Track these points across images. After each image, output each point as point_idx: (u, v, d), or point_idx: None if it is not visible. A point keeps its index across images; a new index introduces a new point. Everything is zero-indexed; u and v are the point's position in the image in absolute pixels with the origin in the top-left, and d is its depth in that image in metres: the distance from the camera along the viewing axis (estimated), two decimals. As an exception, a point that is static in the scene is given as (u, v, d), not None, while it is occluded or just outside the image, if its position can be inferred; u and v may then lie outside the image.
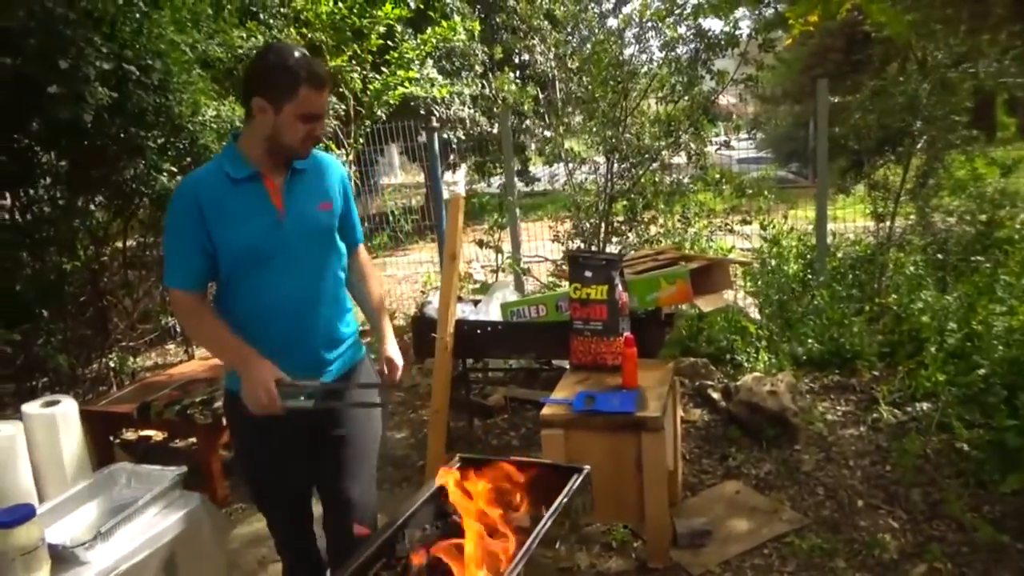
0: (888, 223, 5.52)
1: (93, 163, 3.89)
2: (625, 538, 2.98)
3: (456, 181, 8.58)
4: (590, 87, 6.10)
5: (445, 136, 9.24)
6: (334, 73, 5.32)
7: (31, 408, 1.79)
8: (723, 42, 5.56)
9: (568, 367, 4.27)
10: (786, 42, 5.85)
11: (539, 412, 4.30)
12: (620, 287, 3.09)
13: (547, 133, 6.58)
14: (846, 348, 4.55)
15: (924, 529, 2.90)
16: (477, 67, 9.20)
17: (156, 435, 4.40)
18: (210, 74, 4.17)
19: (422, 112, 7.13)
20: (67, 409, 1.81)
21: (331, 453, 2.03)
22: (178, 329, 5.32)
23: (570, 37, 9.10)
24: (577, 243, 6.19)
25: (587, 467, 1.64)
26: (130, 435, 4.38)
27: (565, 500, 1.51)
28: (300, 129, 1.83)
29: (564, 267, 5.84)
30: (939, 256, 5.57)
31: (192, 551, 1.77)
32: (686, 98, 5.82)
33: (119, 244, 4.61)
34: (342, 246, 2.07)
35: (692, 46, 5.74)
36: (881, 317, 4.94)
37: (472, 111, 8.60)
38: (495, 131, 10.49)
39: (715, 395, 4.17)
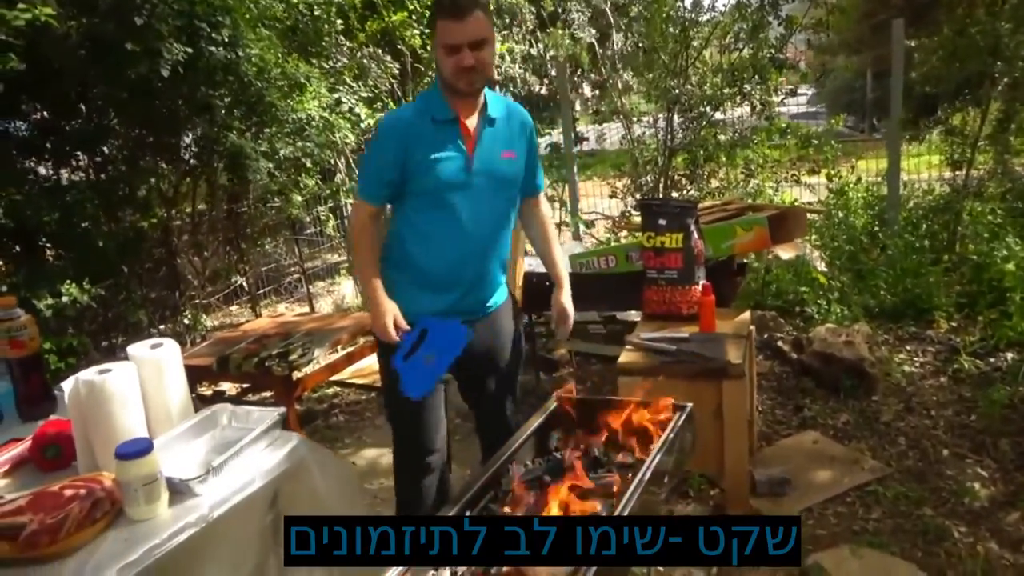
0: (964, 171, 5.29)
1: (164, 123, 3.94)
2: (702, 485, 2.97)
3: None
4: (648, 38, 5.95)
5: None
6: (391, 29, 5.29)
7: (138, 350, 1.84)
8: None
9: (636, 319, 4.23)
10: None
11: (604, 365, 4.32)
12: (696, 235, 3.03)
13: (591, 93, 6.47)
14: (922, 299, 4.41)
15: (1016, 478, 2.82)
16: (527, 24, 9.01)
17: (231, 388, 4.52)
18: (273, 33, 4.17)
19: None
20: (171, 351, 1.85)
21: (485, 376, 2.28)
22: (245, 287, 5.43)
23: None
24: (636, 198, 6.10)
25: (690, 404, 1.63)
26: (204, 389, 4.52)
27: (672, 435, 1.50)
28: (447, 62, 1.91)
29: (625, 221, 5.78)
30: (1019, 204, 5.33)
31: (295, 488, 1.81)
32: (751, 46, 5.62)
33: (187, 207, 4.69)
34: (517, 199, 2.21)
35: (758, -11, 5.55)
36: (958, 267, 4.77)
37: (522, 70, 8.49)
38: (543, 92, 10.33)
39: (785, 347, 4.09)
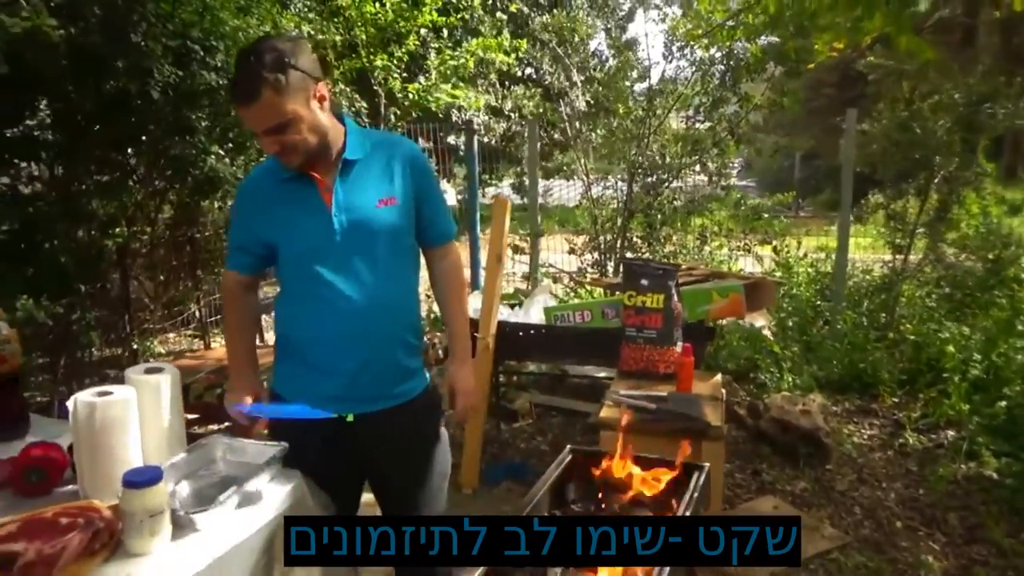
0: (903, 255, 5.62)
1: (138, 141, 3.84)
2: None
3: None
4: (616, 103, 6.19)
5: (452, 141, 9.28)
6: (369, 70, 5.31)
7: (135, 373, 1.76)
8: (752, 66, 5.67)
9: (596, 375, 4.28)
10: (808, 67, 5.99)
11: (564, 418, 4.34)
12: (676, 297, 3.11)
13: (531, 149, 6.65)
14: (867, 373, 4.62)
15: (965, 552, 2.95)
16: (492, 76, 9.23)
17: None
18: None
19: (440, 116, 7.15)
20: (171, 378, 1.77)
21: (389, 483, 1.92)
22: (197, 315, 5.24)
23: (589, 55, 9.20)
24: (594, 256, 6.24)
25: (707, 464, 1.66)
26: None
27: (696, 494, 1.52)
28: (264, 143, 1.67)
29: (585, 277, 5.89)
30: (948, 290, 5.69)
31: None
32: (714, 117, 5.92)
33: (148, 228, 4.53)
34: (414, 253, 1.88)
35: (721, 67, 5.86)
36: (898, 345, 5.02)
37: (487, 118, 8.66)
38: (491, 143, 10.51)
39: (741, 411, 4.20)
